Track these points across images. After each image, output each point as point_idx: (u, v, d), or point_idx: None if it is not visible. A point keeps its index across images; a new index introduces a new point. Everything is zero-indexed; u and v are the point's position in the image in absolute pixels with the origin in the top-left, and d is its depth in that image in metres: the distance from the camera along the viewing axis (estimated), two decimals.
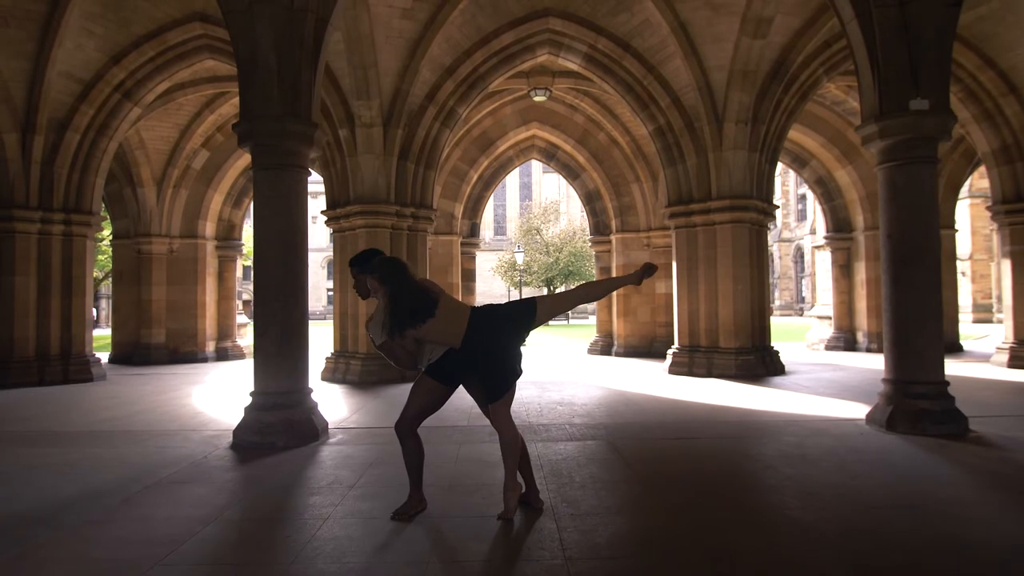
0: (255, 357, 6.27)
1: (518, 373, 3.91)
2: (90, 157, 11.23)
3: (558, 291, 52.39)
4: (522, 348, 4.03)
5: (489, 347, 3.81)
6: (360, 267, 4.03)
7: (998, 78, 11.37)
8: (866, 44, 6.40)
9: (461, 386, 4.01)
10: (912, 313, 6.25)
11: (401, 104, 11.05)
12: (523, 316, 3.93)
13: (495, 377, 3.84)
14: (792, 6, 10.33)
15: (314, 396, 6.60)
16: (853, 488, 4.40)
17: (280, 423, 5.94)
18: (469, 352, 3.80)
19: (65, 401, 9.17)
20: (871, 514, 3.87)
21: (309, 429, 6.10)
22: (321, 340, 15.23)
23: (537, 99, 14.83)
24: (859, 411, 7.13)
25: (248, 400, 6.25)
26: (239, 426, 6.08)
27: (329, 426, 6.61)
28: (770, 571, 3.15)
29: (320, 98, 10.89)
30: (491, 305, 4.07)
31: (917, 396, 6.15)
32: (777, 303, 61.54)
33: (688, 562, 3.26)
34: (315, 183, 17.25)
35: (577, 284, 50.64)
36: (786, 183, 59.50)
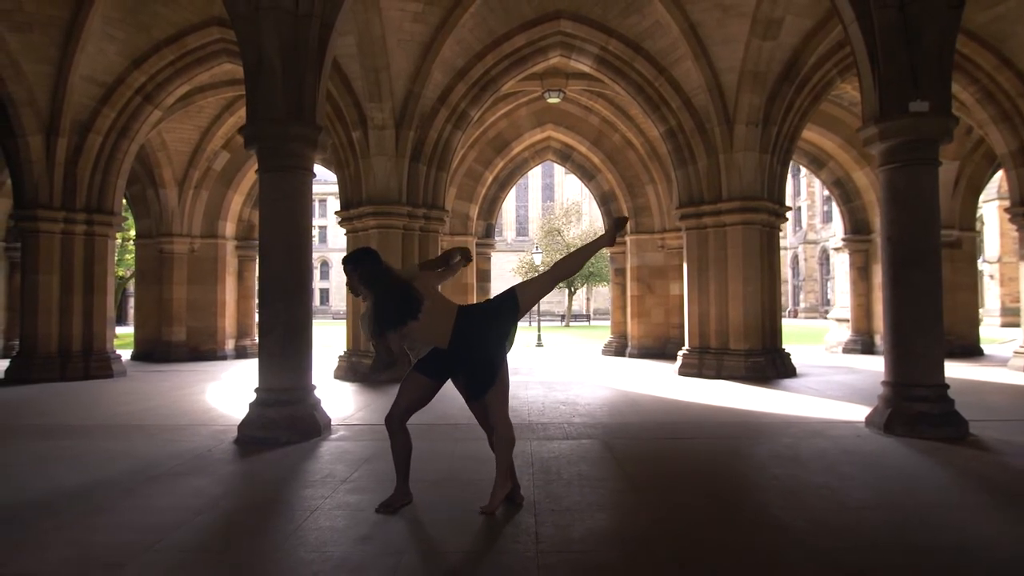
0: (260, 355, 6.44)
1: (498, 371, 3.97)
2: (112, 159, 11.56)
3: (578, 292, 51.90)
4: (510, 344, 4.10)
5: (474, 345, 3.91)
6: (354, 265, 4.14)
7: (1016, 78, 11.19)
8: (867, 46, 6.38)
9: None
10: (912, 315, 6.23)
11: (413, 106, 11.20)
12: (508, 309, 4.00)
13: (478, 375, 3.94)
14: (803, 7, 10.29)
15: (325, 393, 6.76)
16: (837, 489, 4.42)
17: (283, 419, 6.10)
18: (454, 351, 3.90)
19: (84, 396, 9.46)
20: (849, 514, 3.90)
21: (311, 425, 6.25)
22: (341, 339, 15.45)
23: (551, 101, 14.92)
24: (862, 414, 7.09)
25: (254, 396, 6.43)
26: (243, 422, 6.25)
27: (332, 422, 6.75)
28: (739, 567, 3.21)
29: (332, 100, 11.18)
30: (478, 304, 4.17)
31: (916, 399, 6.12)
32: (802, 305, 60.83)
33: (658, 557, 3.32)
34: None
35: (592, 284, 50.04)
36: (811, 184, 58.80)
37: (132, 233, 21.79)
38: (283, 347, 6.31)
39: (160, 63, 11.27)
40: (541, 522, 3.75)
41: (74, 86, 10.75)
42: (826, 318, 49.76)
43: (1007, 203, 13.48)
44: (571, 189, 68.75)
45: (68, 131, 10.99)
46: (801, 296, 62.17)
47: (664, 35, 11.14)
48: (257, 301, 17.21)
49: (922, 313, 6.22)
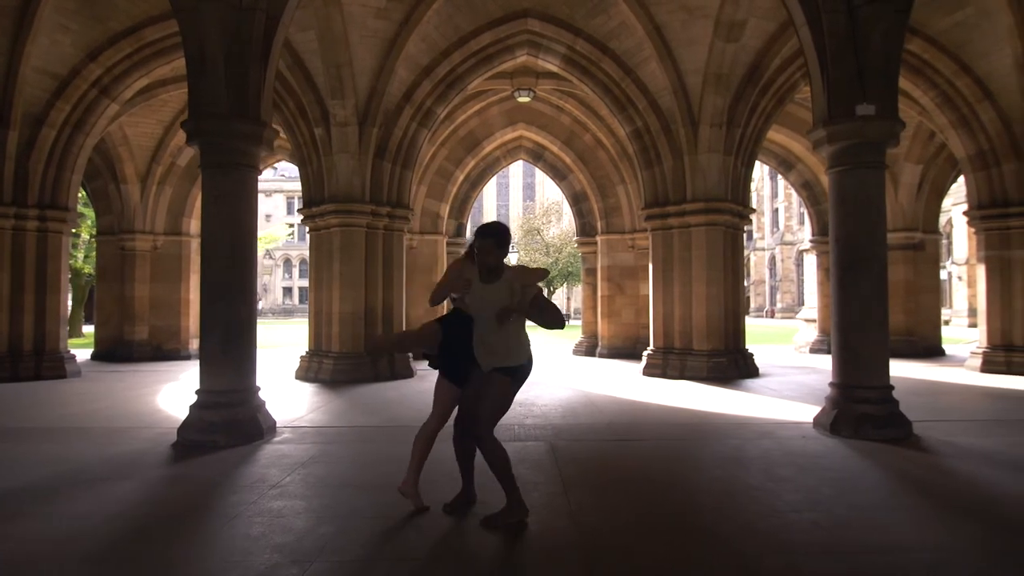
0: (200, 355, 6.30)
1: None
2: (66, 153, 11.27)
3: (558, 291, 51.59)
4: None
5: None
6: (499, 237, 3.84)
7: (974, 84, 11.29)
8: (816, 49, 6.40)
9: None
10: (857, 317, 6.24)
11: (377, 103, 11.07)
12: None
13: None
14: (766, 10, 10.30)
15: (283, 394, 6.63)
16: (770, 491, 4.39)
17: (223, 422, 5.96)
18: None
19: (32, 397, 9.23)
20: (778, 518, 3.87)
21: (253, 428, 6.12)
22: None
23: (521, 100, 14.83)
24: (813, 415, 7.09)
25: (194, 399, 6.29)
26: (183, 424, 6.11)
27: (279, 424, 6.63)
28: (651, 572, 3.17)
29: (294, 96, 11.02)
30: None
31: (860, 400, 6.13)
32: (779, 305, 61.33)
33: (569, 562, 3.27)
34: None
35: (572, 284, 50.07)
36: (788, 186, 59.21)
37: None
38: (224, 348, 6.17)
39: (117, 55, 11.01)
40: (462, 527, 3.68)
41: (26, 77, 10.46)
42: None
43: None
44: (552, 189, 68.60)
45: (19, 124, 10.68)
46: (778, 296, 62.71)
47: (630, 36, 11.11)
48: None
49: (867, 315, 6.24)
